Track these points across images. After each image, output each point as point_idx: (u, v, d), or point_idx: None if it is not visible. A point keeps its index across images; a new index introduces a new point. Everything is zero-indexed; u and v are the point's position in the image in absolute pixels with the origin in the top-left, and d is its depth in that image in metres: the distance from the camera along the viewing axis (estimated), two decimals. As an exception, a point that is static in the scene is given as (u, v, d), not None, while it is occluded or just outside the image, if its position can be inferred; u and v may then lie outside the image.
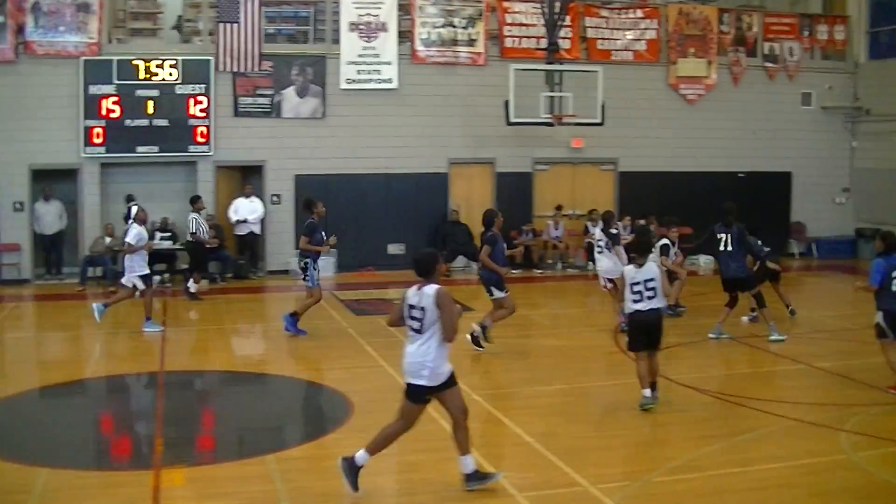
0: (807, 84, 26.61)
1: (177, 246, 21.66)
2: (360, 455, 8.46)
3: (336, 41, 23.37)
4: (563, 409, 11.71)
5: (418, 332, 8.35)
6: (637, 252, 11.60)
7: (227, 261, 22.39)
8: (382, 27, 23.34)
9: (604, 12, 25.03)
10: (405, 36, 23.80)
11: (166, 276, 21.89)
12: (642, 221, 18.74)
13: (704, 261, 18.96)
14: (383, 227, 23.61)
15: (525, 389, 12.81)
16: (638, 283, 11.17)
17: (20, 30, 21.45)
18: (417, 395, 8.42)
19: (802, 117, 26.59)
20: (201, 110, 22.33)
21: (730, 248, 15.07)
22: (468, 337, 14.16)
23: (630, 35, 25.21)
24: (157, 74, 22.02)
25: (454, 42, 23.92)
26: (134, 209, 16.98)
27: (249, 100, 22.87)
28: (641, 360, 11.27)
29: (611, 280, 15.96)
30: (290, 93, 23.10)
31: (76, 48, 21.65)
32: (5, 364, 14.80)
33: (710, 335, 15.38)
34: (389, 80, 23.50)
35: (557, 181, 25.02)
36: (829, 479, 9.00)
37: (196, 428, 11.65)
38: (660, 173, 25.02)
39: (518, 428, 10.44)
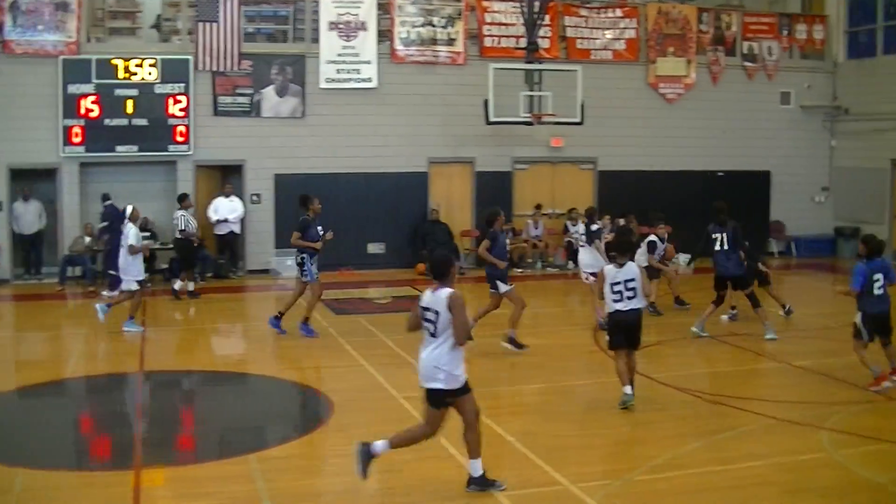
0: (786, 83, 26.74)
1: (157, 245, 21.55)
2: (381, 444, 8.41)
3: (315, 40, 23.33)
4: (544, 407, 11.74)
5: (433, 335, 8.33)
6: (618, 251, 11.64)
7: (207, 260, 22.31)
8: (362, 26, 23.31)
9: (583, 11, 25.07)
10: (384, 35, 23.78)
11: (146, 275, 21.71)
12: (622, 221, 18.80)
13: (683, 258, 18.99)
14: (363, 226, 23.52)
15: (505, 388, 12.86)
16: (618, 283, 11.19)
17: (-2, 28, 21.34)
18: (437, 400, 8.36)
19: (781, 116, 26.71)
20: (181, 110, 22.23)
21: (726, 246, 15.26)
22: (506, 345, 14.33)
23: (609, 34, 25.26)
24: (136, 74, 21.92)
25: (434, 41, 23.92)
26: (129, 208, 16.89)
27: (229, 99, 22.80)
28: (620, 357, 11.32)
29: (593, 274, 16.01)
30: (269, 92, 23.04)
31: (55, 47, 21.52)
32: (-16, 364, 14.69)
33: (694, 329, 15.50)
34: (369, 80, 23.47)
35: (537, 180, 25.06)
36: (809, 476, 9.04)
37: (177, 428, 11.62)
38: (639, 172, 25.11)
39: (498, 427, 10.42)
